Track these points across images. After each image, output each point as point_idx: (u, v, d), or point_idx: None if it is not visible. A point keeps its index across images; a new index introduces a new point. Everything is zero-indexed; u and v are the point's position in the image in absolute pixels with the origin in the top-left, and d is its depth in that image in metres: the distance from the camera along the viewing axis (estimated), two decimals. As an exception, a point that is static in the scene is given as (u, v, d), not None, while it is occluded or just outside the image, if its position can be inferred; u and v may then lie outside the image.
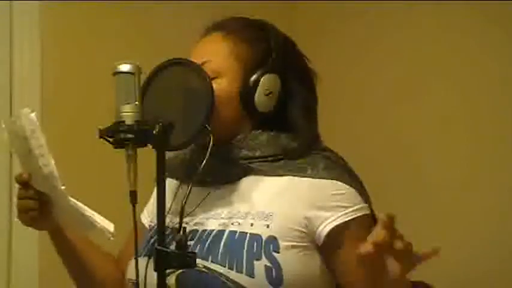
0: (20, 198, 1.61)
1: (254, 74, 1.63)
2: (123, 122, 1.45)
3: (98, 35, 2.72)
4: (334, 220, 1.56)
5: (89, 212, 1.62)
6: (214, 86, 1.57)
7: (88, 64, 2.68)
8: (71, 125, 2.60)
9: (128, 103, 1.45)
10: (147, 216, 1.80)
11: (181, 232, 1.46)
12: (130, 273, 1.63)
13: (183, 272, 1.51)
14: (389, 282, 1.32)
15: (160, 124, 1.46)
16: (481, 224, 2.59)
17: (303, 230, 1.56)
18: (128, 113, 1.45)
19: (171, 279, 1.49)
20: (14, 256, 2.57)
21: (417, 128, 2.81)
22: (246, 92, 1.62)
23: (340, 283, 1.61)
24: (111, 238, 1.63)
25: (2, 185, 2.57)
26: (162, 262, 1.43)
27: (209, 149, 1.54)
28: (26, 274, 2.57)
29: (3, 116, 2.53)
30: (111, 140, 1.46)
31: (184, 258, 1.43)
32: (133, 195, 1.45)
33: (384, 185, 2.70)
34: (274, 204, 1.58)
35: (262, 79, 1.62)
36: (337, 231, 1.56)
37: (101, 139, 1.47)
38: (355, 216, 1.58)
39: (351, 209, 1.58)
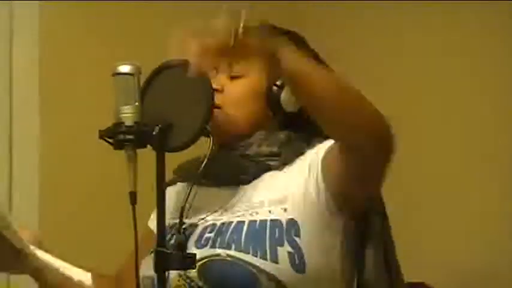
0: None
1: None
2: (123, 123, 1.45)
3: (97, 36, 2.72)
4: (323, 147, 1.58)
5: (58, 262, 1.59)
6: (242, 83, 1.64)
7: (87, 65, 2.67)
8: (70, 125, 2.60)
9: (128, 104, 1.45)
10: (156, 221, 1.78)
11: (180, 233, 1.47)
12: (145, 270, 1.63)
13: (204, 263, 1.51)
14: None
15: (160, 125, 1.46)
16: (481, 224, 2.59)
17: (315, 197, 1.57)
18: (128, 114, 1.45)
19: (193, 271, 1.50)
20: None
21: (416, 127, 2.80)
22: (273, 91, 1.65)
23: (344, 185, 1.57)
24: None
25: (2, 185, 2.57)
26: (162, 263, 1.43)
27: (209, 149, 1.55)
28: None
29: (2, 117, 2.53)
30: (110, 141, 1.46)
31: (184, 259, 1.44)
32: (133, 196, 1.46)
33: (384, 183, 2.70)
34: (287, 188, 1.59)
35: None
36: (328, 150, 1.57)
37: (101, 140, 1.47)
38: None
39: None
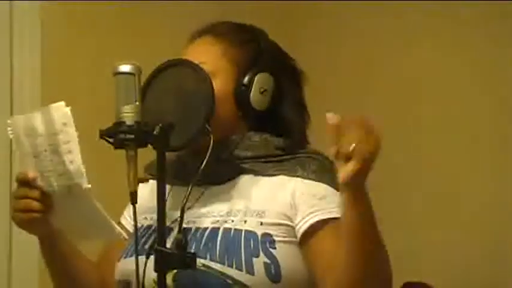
0: (20, 197, 1.55)
1: (247, 73, 1.66)
2: (124, 122, 1.45)
3: (98, 36, 2.72)
4: (311, 218, 1.57)
5: (107, 216, 1.55)
6: None
7: (88, 64, 2.67)
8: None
9: (128, 104, 1.46)
10: (129, 219, 1.76)
11: (180, 232, 1.47)
12: (120, 274, 1.64)
13: (179, 271, 1.51)
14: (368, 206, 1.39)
15: (161, 125, 1.46)
16: (481, 224, 2.59)
17: (292, 225, 1.59)
18: (128, 114, 1.45)
19: (168, 279, 1.49)
20: (15, 256, 2.57)
21: (417, 126, 2.80)
22: (242, 91, 1.65)
23: (318, 279, 1.58)
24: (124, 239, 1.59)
25: (2, 185, 2.57)
26: (162, 262, 1.43)
27: (209, 149, 1.55)
28: (26, 274, 2.57)
29: (3, 116, 2.53)
30: (111, 140, 1.46)
31: (184, 258, 1.44)
32: (133, 196, 1.46)
33: (384, 183, 2.70)
34: (266, 202, 1.60)
35: (256, 77, 1.65)
36: (315, 228, 1.57)
37: (102, 139, 1.47)
38: (336, 216, 1.56)
39: (331, 209, 1.58)
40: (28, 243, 2.51)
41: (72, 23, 2.68)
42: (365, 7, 2.93)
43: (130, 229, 1.73)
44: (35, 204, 1.54)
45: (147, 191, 1.67)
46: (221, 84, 1.64)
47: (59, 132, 1.47)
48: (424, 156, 2.77)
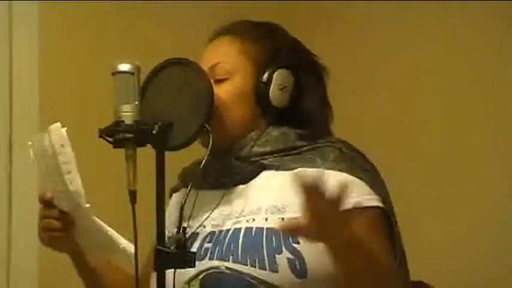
0: (43, 217, 1.60)
1: (266, 70, 1.64)
2: (123, 121, 1.45)
3: (97, 36, 2.72)
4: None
5: (111, 231, 1.59)
6: (228, 86, 1.62)
7: (87, 64, 2.67)
8: (70, 125, 2.58)
9: (128, 103, 1.45)
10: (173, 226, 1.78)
11: (179, 232, 1.46)
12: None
13: (205, 276, 1.51)
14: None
15: (160, 124, 1.46)
16: (481, 223, 2.59)
17: None
18: (127, 113, 1.45)
19: (195, 285, 1.50)
20: (14, 256, 2.57)
21: (417, 126, 2.80)
22: (261, 88, 1.64)
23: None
24: (131, 261, 1.58)
25: (2, 185, 2.57)
26: (162, 261, 1.43)
27: (209, 149, 1.55)
28: (26, 274, 2.56)
29: (2, 116, 2.53)
30: (110, 139, 1.46)
31: (184, 257, 1.44)
32: (132, 195, 1.46)
33: (389, 180, 2.69)
34: (286, 197, 1.56)
35: (275, 74, 1.64)
36: None
37: (101, 139, 1.47)
38: (358, 206, 1.54)
39: (351, 199, 1.52)
40: (28, 243, 2.52)
41: (70, 23, 2.68)
42: (365, 7, 2.93)
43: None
44: (55, 224, 1.58)
45: (177, 200, 1.70)
46: (240, 82, 1.64)
47: (59, 153, 1.51)
48: (424, 157, 2.77)
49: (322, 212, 1.28)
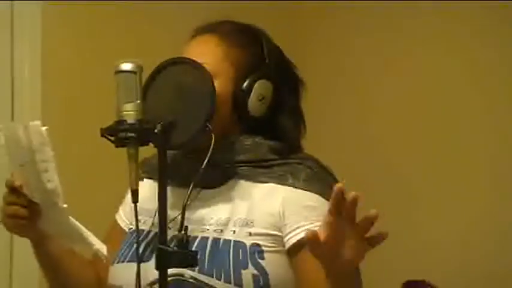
0: (8, 203, 1.58)
1: (248, 78, 1.64)
2: (125, 120, 1.45)
3: (99, 35, 2.72)
4: (299, 234, 1.56)
5: (86, 232, 1.58)
6: None
7: (89, 64, 2.68)
8: (72, 124, 2.60)
9: (130, 102, 1.45)
10: (124, 219, 1.77)
11: (181, 230, 1.46)
12: (114, 279, 1.64)
13: (170, 284, 1.47)
14: (345, 273, 1.36)
15: (162, 123, 1.46)
16: (482, 222, 2.60)
17: (281, 234, 1.58)
18: (130, 112, 1.45)
19: None
20: (15, 256, 2.57)
21: (417, 126, 2.81)
22: (240, 96, 1.63)
23: None
24: (105, 261, 1.60)
25: (2, 185, 2.56)
26: (164, 261, 1.42)
27: (210, 149, 1.54)
28: (27, 274, 2.56)
29: (4, 116, 2.53)
30: (112, 138, 1.46)
31: (185, 257, 1.43)
32: (134, 194, 1.45)
33: (387, 184, 2.70)
34: (255, 212, 1.59)
35: (256, 84, 1.64)
36: (303, 244, 1.53)
37: (103, 138, 1.47)
38: None
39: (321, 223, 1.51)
40: (29, 243, 2.52)
41: (72, 23, 2.68)
42: (365, 8, 2.93)
43: (126, 228, 1.74)
44: (22, 211, 1.57)
45: (142, 192, 1.60)
46: (220, 86, 1.62)
47: (37, 150, 1.50)
48: (425, 157, 2.78)
49: (343, 235, 1.31)
